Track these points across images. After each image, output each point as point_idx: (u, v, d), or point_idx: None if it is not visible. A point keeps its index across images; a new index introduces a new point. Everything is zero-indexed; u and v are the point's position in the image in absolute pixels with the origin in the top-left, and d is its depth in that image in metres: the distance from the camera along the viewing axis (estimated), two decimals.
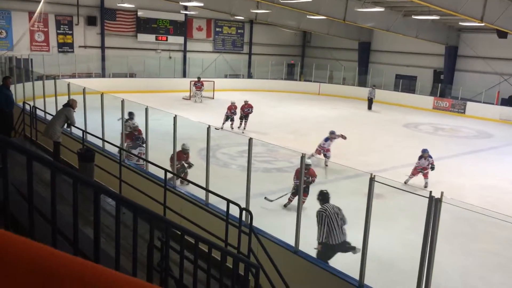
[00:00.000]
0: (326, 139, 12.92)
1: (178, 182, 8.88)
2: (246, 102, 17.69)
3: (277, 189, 9.87)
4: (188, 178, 8.22)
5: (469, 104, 25.86)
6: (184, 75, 30.43)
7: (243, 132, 16.48)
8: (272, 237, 5.95)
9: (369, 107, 25.96)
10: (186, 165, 10.04)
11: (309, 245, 6.03)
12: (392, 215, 8.76)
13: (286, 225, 6.25)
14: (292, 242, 5.72)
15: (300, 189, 6.03)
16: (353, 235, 6.85)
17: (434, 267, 4.60)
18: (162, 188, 6.51)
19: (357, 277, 5.04)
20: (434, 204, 4.59)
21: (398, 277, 6.23)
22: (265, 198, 9.32)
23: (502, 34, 21.88)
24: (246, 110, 17.49)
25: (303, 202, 8.81)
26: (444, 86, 28.26)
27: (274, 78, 32.93)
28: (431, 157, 11.82)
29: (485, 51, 26.73)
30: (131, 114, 11.35)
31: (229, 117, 17.32)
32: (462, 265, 7.36)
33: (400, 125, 21.55)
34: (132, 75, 28.21)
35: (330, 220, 6.28)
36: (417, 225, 4.81)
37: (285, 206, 9.28)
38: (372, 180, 5.17)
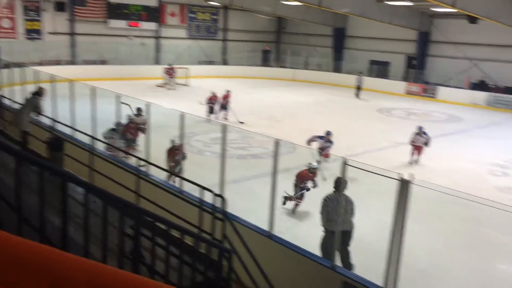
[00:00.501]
0: (321, 137, 11.37)
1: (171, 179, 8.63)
2: (227, 92, 17.55)
3: (251, 175, 9.92)
4: (160, 164, 8.11)
5: (440, 89, 26.40)
6: (158, 62, 29.98)
7: (242, 123, 16.09)
8: (246, 223, 5.99)
9: (357, 95, 25.76)
10: (180, 159, 9.65)
11: (280, 227, 6.10)
12: (365, 197, 8.90)
13: (259, 209, 6.28)
14: (266, 227, 5.78)
15: (274, 176, 6.04)
16: None
17: (404, 247, 4.72)
18: (135, 176, 6.44)
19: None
20: (404, 186, 4.71)
21: (371, 258, 6.35)
22: (285, 192, 8.55)
23: (473, 20, 22.29)
24: (227, 100, 17.38)
25: (297, 205, 8.68)
26: (417, 71, 28.72)
27: (250, 65, 32.79)
28: (425, 134, 12.31)
29: (456, 37, 27.20)
30: (139, 110, 11.27)
31: (212, 108, 17.06)
32: (430, 244, 7.58)
33: (373, 110, 21.85)
34: (103, 62, 27.61)
35: (330, 209, 6.33)
36: (390, 207, 4.91)
37: (293, 212, 8.68)
38: (345, 164, 5.27)
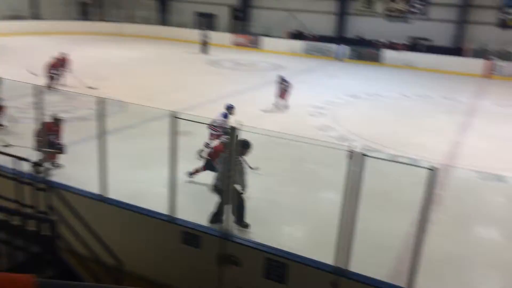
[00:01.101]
0: (225, 115, 9.23)
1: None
2: (63, 55, 15.42)
3: (79, 138, 9.23)
4: None
5: (264, 40, 27.95)
6: None
7: (92, 88, 14.11)
8: (75, 189, 5.59)
9: (204, 51, 25.13)
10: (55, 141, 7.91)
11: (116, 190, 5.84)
12: (199, 148, 9.07)
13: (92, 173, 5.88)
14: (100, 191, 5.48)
15: (101, 137, 5.66)
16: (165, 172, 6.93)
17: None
18: None
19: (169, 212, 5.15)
20: (233, 133, 4.93)
21: (208, 205, 6.57)
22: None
23: None
24: (63, 64, 15.30)
25: (195, 174, 8.05)
26: (242, 23, 29.78)
27: (67, 19, 29.64)
28: (285, 81, 13.93)
29: None
30: None
31: (54, 76, 14.64)
32: (265, 183, 8.19)
33: (203, 62, 22.11)
34: None
35: (222, 168, 6.13)
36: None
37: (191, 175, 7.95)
38: (174, 117, 5.21)
